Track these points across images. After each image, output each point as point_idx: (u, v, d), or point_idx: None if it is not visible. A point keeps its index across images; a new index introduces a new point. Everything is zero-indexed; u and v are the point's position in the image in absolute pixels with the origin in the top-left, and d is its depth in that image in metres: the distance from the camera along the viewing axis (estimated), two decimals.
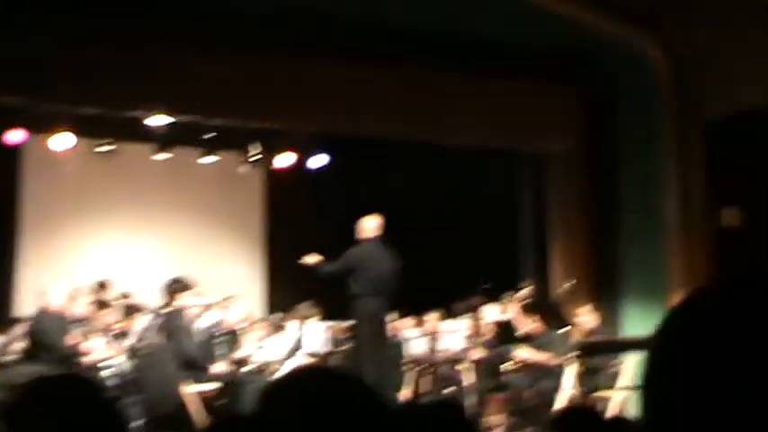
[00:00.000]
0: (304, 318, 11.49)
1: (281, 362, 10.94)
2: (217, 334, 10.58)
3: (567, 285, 11.48)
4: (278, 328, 11.94)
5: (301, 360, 10.97)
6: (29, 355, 9.53)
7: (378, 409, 1.61)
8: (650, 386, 1.12)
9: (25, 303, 12.55)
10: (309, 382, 1.61)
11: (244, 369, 10.70)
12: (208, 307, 10.97)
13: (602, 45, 11.50)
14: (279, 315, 12.18)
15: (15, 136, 11.89)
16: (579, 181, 12.29)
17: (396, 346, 10.92)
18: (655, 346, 1.13)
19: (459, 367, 10.99)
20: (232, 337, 10.89)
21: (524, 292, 11.47)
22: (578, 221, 12.24)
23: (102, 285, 12.62)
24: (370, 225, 10.51)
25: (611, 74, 12.15)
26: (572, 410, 4.13)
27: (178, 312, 10.44)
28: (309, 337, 10.89)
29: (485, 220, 14.07)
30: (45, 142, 12.51)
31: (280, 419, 1.54)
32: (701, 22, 10.72)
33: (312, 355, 10.83)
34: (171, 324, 10.30)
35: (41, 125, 12.07)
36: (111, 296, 12.31)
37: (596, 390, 9.94)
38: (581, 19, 10.86)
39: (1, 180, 13.26)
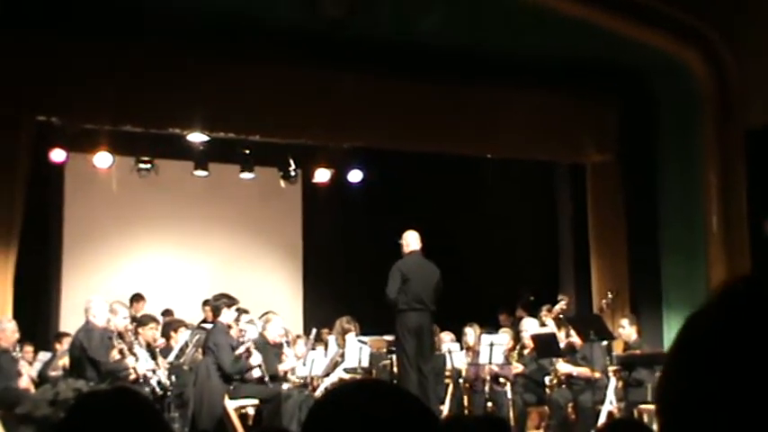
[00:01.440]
0: (343, 332, 11.50)
1: (322, 377, 10.95)
2: (256, 350, 10.60)
3: (607, 298, 11.40)
4: (317, 342, 11.96)
5: (341, 375, 10.97)
6: (73, 370, 9.61)
7: (431, 424, 1.61)
8: (671, 392, 1.11)
9: (69, 319, 12.67)
10: (361, 395, 1.61)
11: (284, 384, 10.72)
12: (248, 323, 10.99)
13: (642, 56, 11.43)
14: (318, 330, 12.19)
15: (58, 155, 12.01)
16: (619, 193, 12.22)
17: (437, 360, 10.89)
18: (674, 352, 1.12)
19: (499, 381, 10.95)
20: (272, 353, 10.91)
21: (561, 305, 11.41)
22: (618, 233, 12.16)
23: (134, 299, 12.72)
24: (413, 239, 10.53)
25: (650, 85, 12.08)
26: (618, 424, 4.09)
27: (220, 328, 10.48)
28: (349, 352, 10.89)
29: (524, 232, 14.04)
30: (86, 160, 12.63)
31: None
32: (742, 32, 10.64)
33: (352, 370, 10.83)
34: (212, 340, 10.35)
35: (83, 144, 12.20)
36: (144, 310, 12.41)
37: (639, 404, 9.85)
38: (621, 31, 10.82)
39: (45, 198, 13.40)
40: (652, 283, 11.88)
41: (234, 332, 10.54)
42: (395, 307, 10.21)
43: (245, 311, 11.14)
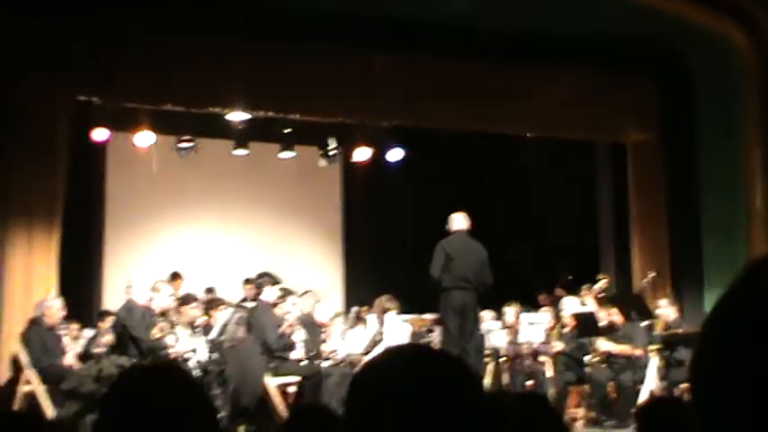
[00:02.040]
0: (383, 311, 11.51)
1: (361, 355, 10.98)
2: (297, 328, 10.66)
3: (648, 277, 11.34)
4: (358, 321, 11.99)
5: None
6: (116, 347, 9.71)
7: (475, 385, 1.60)
8: (705, 368, 1.10)
9: (112, 297, 12.79)
10: (404, 359, 1.61)
11: (325, 362, 10.77)
12: (293, 304, 11.04)
13: (681, 31, 11.30)
14: (358, 308, 12.22)
15: (100, 134, 12.10)
16: (660, 171, 12.11)
17: (477, 338, 10.89)
18: (708, 327, 1.11)
19: (539, 359, 10.93)
20: (314, 331, 10.96)
21: (601, 284, 11.35)
22: (659, 212, 12.07)
23: (173, 278, 12.80)
24: (458, 219, 10.54)
25: (690, 61, 11.94)
26: (659, 402, 4.07)
27: (263, 305, 10.55)
28: (390, 330, 10.91)
29: (564, 212, 13.97)
30: (128, 139, 12.72)
31: (372, 398, 1.55)
32: None
33: None
34: (256, 316, 10.42)
35: (124, 123, 12.28)
36: (183, 289, 12.50)
37: (680, 383, 9.80)
38: (662, 7, 10.69)
39: (87, 177, 13.51)
40: (693, 263, 11.79)
41: (277, 311, 10.62)
42: (438, 285, 10.22)
43: (291, 292, 11.19)
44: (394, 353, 1.68)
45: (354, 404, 1.57)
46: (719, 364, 1.06)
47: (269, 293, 10.64)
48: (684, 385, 9.69)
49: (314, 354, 10.64)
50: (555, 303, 12.62)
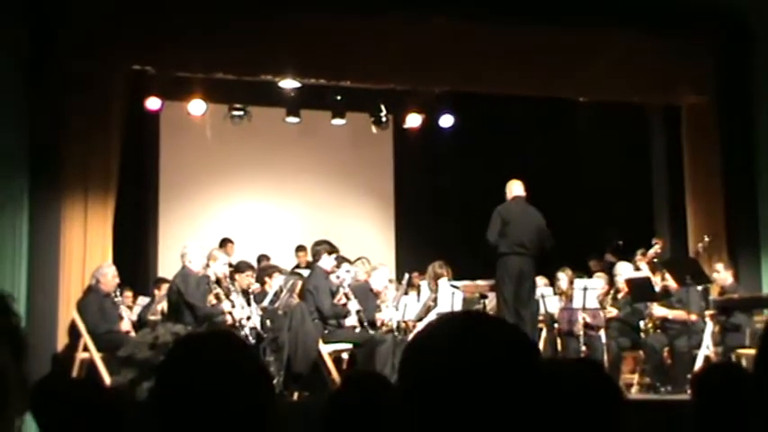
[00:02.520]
0: (436, 277, 11.52)
1: (415, 322, 11.01)
2: (357, 296, 10.71)
3: (703, 241, 11.21)
4: (410, 287, 12.01)
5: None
6: (171, 314, 9.82)
7: (532, 349, 1.60)
8: None
9: (167, 264, 12.94)
10: (459, 325, 1.61)
11: (378, 329, 10.82)
12: (347, 272, 11.08)
13: None
14: (410, 275, 12.24)
15: (153, 103, 12.19)
16: (715, 135, 11.93)
17: (533, 305, 10.86)
18: None
19: (594, 325, 10.88)
20: (369, 298, 11.00)
21: (656, 248, 11.25)
22: (714, 176, 11.91)
23: (223, 243, 12.90)
24: (516, 186, 10.52)
25: (748, 23, 11.72)
26: (716, 368, 4.04)
27: (319, 272, 10.61)
28: (442, 297, 10.92)
29: (618, 176, 13.85)
30: (181, 108, 12.80)
31: (426, 366, 1.54)
32: None
33: None
34: (312, 282, 10.48)
35: (177, 92, 12.35)
36: (235, 254, 12.61)
37: (737, 348, 9.71)
38: None
39: (141, 146, 13.64)
40: (750, 227, 11.62)
41: (333, 278, 10.69)
42: (495, 251, 10.21)
43: (348, 260, 11.24)
44: (448, 319, 1.68)
45: (408, 372, 1.57)
46: None
47: (326, 261, 10.69)
48: (741, 351, 9.60)
49: (369, 321, 10.70)
50: (606, 269, 12.55)
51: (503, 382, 1.50)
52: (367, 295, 10.99)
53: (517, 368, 1.51)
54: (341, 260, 11.09)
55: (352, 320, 10.63)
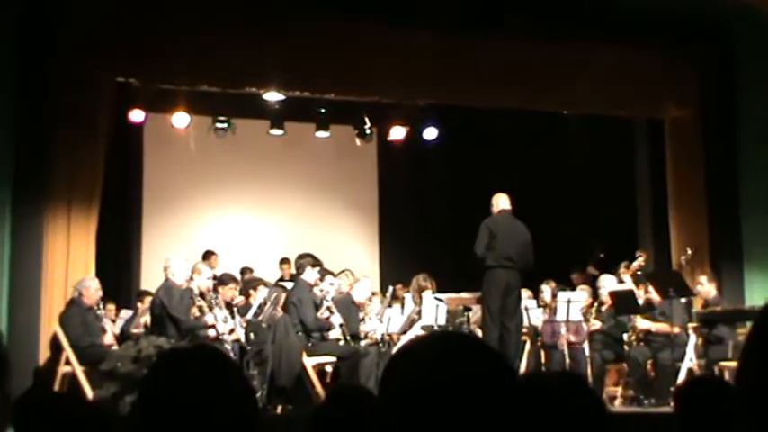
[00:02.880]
0: (420, 290, 11.52)
1: (399, 334, 11.00)
2: (340, 307, 10.70)
3: (686, 254, 11.25)
4: (395, 299, 12.01)
5: (418, 332, 11.01)
6: (154, 327, 9.79)
7: (508, 372, 1.61)
8: (753, 353, 1.09)
9: (150, 277, 12.90)
10: (437, 347, 1.62)
11: (362, 342, 10.81)
12: (330, 284, 11.08)
13: (723, 6, 11.15)
14: (394, 287, 12.25)
15: (137, 116, 12.18)
16: (699, 147, 11.99)
17: (518, 317, 10.87)
18: (763, 315, 1.10)
19: (577, 338, 10.89)
20: (352, 310, 10.99)
21: (639, 261, 11.29)
22: (698, 189, 11.96)
23: (206, 256, 12.87)
24: (502, 200, 10.55)
25: (731, 36, 11.79)
26: (699, 381, 4.05)
27: (303, 285, 10.60)
28: (426, 310, 10.92)
29: (602, 189, 13.89)
30: (165, 120, 12.79)
31: (407, 382, 1.55)
32: None
33: (428, 327, 10.87)
34: (296, 295, 10.47)
35: (161, 104, 12.35)
36: (219, 266, 12.58)
37: (719, 360, 9.74)
38: None
39: (125, 158, 13.62)
40: (732, 240, 11.68)
41: (316, 291, 10.68)
42: (482, 264, 10.23)
43: (332, 273, 11.23)
44: (427, 339, 1.69)
45: (387, 391, 1.58)
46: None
47: (309, 274, 10.69)
48: (724, 363, 9.63)
49: (352, 334, 10.69)
50: (588, 282, 12.57)
51: (480, 399, 1.50)
52: (350, 308, 10.98)
53: (494, 390, 1.52)
54: (324, 273, 11.09)
55: (335, 333, 10.62)
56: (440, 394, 1.50)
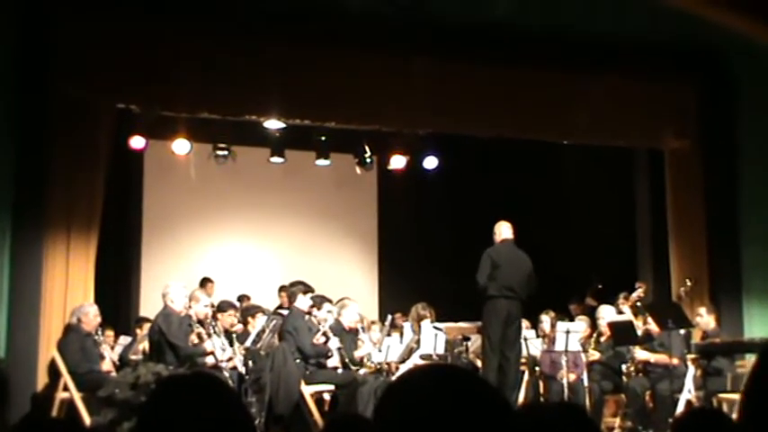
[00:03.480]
0: (419, 319, 11.51)
1: (397, 363, 10.98)
2: (333, 336, 10.68)
3: (685, 285, 11.25)
4: (393, 329, 11.99)
5: (417, 361, 10.98)
6: (152, 354, 9.77)
7: (502, 407, 1.61)
8: (757, 388, 1.10)
9: (149, 304, 12.88)
10: (433, 377, 1.62)
11: (360, 370, 10.78)
12: (328, 312, 11.06)
13: (721, 36, 11.19)
14: (393, 316, 12.23)
15: (137, 142, 12.20)
16: (698, 178, 12.01)
17: (518, 348, 10.85)
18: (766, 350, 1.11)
19: (575, 369, 10.86)
20: (348, 339, 10.97)
21: (638, 292, 11.28)
22: (698, 220, 11.97)
23: (203, 283, 12.86)
24: (505, 228, 10.56)
25: (730, 67, 11.83)
26: (697, 413, 4.04)
27: (297, 312, 10.59)
28: (425, 339, 10.90)
29: (602, 220, 13.90)
30: (165, 147, 12.80)
31: (401, 414, 1.56)
32: None
33: (427, 356, 10.85)
34: (291, 324, 10.45)
35: (161, 131, 12.37)
36: (216, 293, 12.56)
37: (718, 392, 9.72)
38: (704, 13, 10.58)
39: (125, 184, 13.63)
40: (732, 271, 11.67)
41: (313, 318, 10.66)
42: (484, 293, 10.23)
43: (329, 300, 11.20)
44: (423, 370, 1.70)
45: (381, 419, 1.59)
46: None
47: (302, 301, 10.69)
48: (722, 395, 9.60)
49: (348, 361, 10.66)
50: (586, 312, 12.56)
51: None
52: (344, 334, 10.95)
53: (487, 421, 1.53)
54: (322, 300, 11.06)
55: (334, 361, 10.59)
56: (434, 425, 1.50)
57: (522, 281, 10.33)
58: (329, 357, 10.55)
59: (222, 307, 10.79)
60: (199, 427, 1.98)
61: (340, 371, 10.52)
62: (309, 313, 10.73)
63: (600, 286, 12.69)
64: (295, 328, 10.38)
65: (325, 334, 10.51)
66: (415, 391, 1.59)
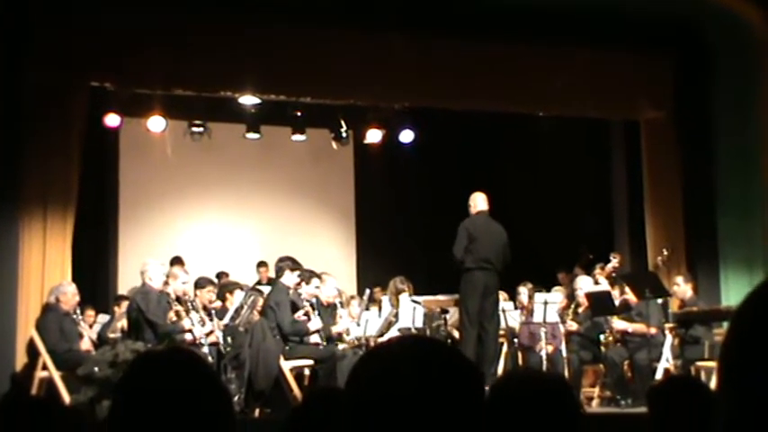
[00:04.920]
0: (397, 293, 11.52)
1: (376, 337, 11.00)
2: (312, 310, 10.67)
3: (662, 255, 11.31)
4: (371, 303, 12.00)
5: (395, 335, 10.99)
6: (131, 332, 9.75)
7: (475, 379, 1.61)
8: (732, 355, 1.10)
9: (127, 282, 12.84)
10: (406, 348, 1.62)
11: (339, 345, 10.79)
12: (311, 283, 11.02)
13: (697, 7, 11.21)
14: (372, 290, 12.24)
15: (112, 120, 12.12)
16: (674, 149, 12.06)
17: (496, 319, 10.87)
18: (739, 316, 1.11)
19: (554, 339, 10.91)
20: (326, 314, 10.98)
21: (614, 263, 11.33)
22: (674, 190, 12.03)
23: (174, 262, 12.82)
24: (480, 200, 10.53)
25: (706, 38, 11.86)
26: (674, 381, 4.07)
27: (281, 288, 10.57)
28: (403, 312, 10.92)
29: (578, 191, 13.94)
30: (140, 125, 12.73)
31: (372, 385, 1.56)
32: None
33: (405, 330, 10.87)
34: (274, 298, 10.43)
35: (136, 108, 12.29)
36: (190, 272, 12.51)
37: (696, 361, 9.80)
38: None
39: (100, 163, 13.55)
40: (708, 240, 11.76)
41: (302, 294, 10.64)
42: (461, 266, 10.23)
43: (318, 276, 11.12)
44: (393, 343, 1.70)
45: (353, 392, 1.59)
46: (754, 351, 1.06)
47: (288, 277, 10.65)
48: (700, 363, 9.69)
49: (326, 336, 10.67)
50: (568, 282, 12.60)
51: (447, 405, 1.51)
52: (322, 309, 10.94)
53: (461, 396, 1.53)
54: (311, 275, 11.00)
55: (315, 337, 10.60)
56: (406, 397, 1.50)
57: (498, 252, 10.34)
58: (307, 335, 10.52)
59: (200, 283, 10.77)
60: (176, 402, 1.98)
61: (321, 347, 10.51)
62: (294, 289, 10.68)
63: (591, 256, 12.70)
64: (277, 303, 10.35)
65: (307, 314, 10.49)
66: (386, 362, 1.59)
